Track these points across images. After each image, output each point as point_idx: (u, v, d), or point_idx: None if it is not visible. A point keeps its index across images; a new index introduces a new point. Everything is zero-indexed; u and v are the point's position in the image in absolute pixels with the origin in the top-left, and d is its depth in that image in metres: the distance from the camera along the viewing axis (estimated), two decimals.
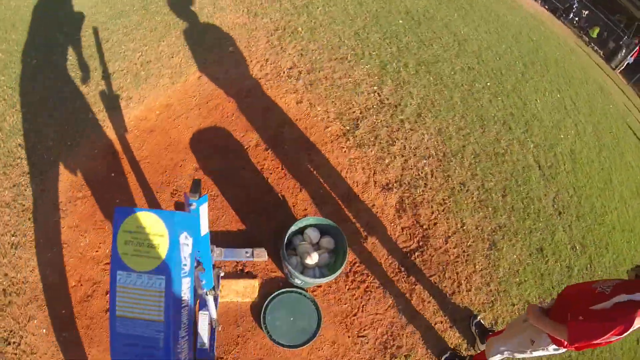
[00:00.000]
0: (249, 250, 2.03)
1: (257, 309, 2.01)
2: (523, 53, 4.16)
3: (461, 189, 2.62)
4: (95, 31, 2.84)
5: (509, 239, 2.51)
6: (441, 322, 2.16)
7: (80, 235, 2.11)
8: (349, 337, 2.03)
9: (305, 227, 2.03)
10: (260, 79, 2.71)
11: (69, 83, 2.59)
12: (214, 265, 1.97)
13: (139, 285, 0.91)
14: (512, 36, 4.46)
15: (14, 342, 1.88)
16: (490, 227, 2.52)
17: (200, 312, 1.89)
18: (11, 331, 1.89)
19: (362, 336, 2.04)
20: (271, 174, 2.38)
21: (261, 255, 2.03)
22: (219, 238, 2.17)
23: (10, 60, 2.66)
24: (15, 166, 2.26)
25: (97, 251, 2.09)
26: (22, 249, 2.05)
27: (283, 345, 1.92)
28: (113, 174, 2.30)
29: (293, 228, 1.93)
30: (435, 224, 2.44)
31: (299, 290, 2.05)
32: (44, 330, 1.91)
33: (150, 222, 0.93)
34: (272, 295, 2.01)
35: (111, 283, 0.94)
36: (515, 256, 2.46)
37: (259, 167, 2.39)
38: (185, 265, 0.98)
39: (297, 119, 2.57)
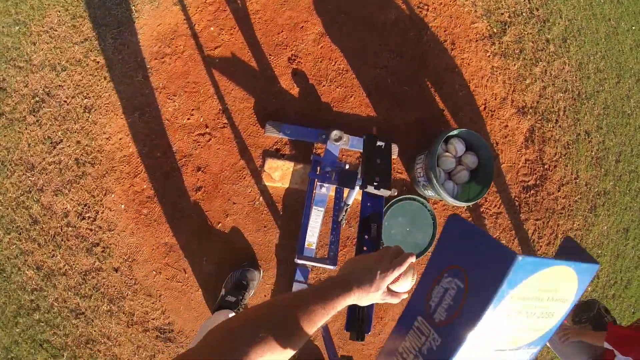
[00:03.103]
0: (381, 143, 1.74)
1: None
2: None
3: (585, 138, 2.30)
4: None
5: (607, 208, 2.29)
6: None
7: (168, 98, 1.74)
8: None
9: (450, 137, 1.71)
10: None
11: None
12: None
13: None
14: None
15: (88, 217, 1.71)
16: (597, 190, 2.28)
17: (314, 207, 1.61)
18: (85, 205, 1.71)
19: None
20: (410, 61, 1.95)
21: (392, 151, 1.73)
22: (343, 120, 1.84)
23: None
24: (86, 17, 1.76)
25: (188, 119, 1.75)
26: (96, 112, 1.73)
27: None
28: (212, 28, 1.83)
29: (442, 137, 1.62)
30: (555, 166, 2.17)
31: (422, 200, 1.81)
32: (123, 206, 1.70)
33: (561, 280, 0.51)
34: (394, 199, 1.77)
35: None
36: (605, 228, 2.28)
37: (396, 51, 1.94)
38: None
39: (441, 3, 2.05)
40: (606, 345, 1.40)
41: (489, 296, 0.44)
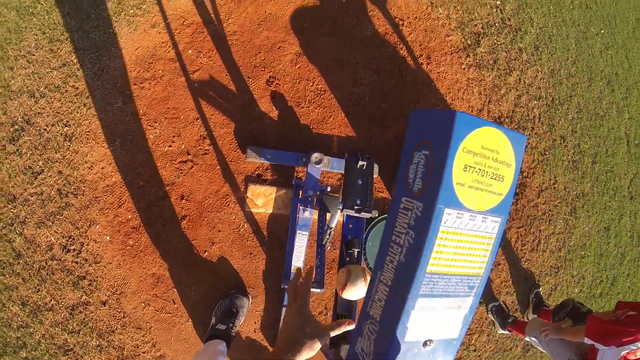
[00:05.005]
0: (362, 163, 1.72)
1: None
2: (638, 4, 3.52)
3: (561, 143, 2.33)
4: None
5: (587, 209, 2.32)
6: (516, 276, 2.06)
7: (149, 125, 1.69)
8: None
9: None
10: None
11: None
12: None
13: (468, 228, 0.60)
14: None
15: (74, 250, 1.64)
16: (575, 192, 2.31)
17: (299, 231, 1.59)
18: (70, 237, 1.64)
19: None
20: (388, 77, 1.94)
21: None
22: (324, 142, 1.81)
23: None
24: (64, 41, 1.69)
25: (170, 146, 1.70)
26: (77, 141, 1.66)
27: None
28: (190, 51, 1.77)
29: None
30: (533, 173, 2.19)
31: None
32: (108, 238, 1.65)
33: (498, 143, 0.62)
34: (377, 219, 1.76)
35: (432, 224, 0.57)
36: (587, 229, 2.30)
37: (374, 66, 1.92)
38: None
39: (416, 18, 2.04)
40: (587, 340, 1.45)
41: (447, 149, 0.56)
